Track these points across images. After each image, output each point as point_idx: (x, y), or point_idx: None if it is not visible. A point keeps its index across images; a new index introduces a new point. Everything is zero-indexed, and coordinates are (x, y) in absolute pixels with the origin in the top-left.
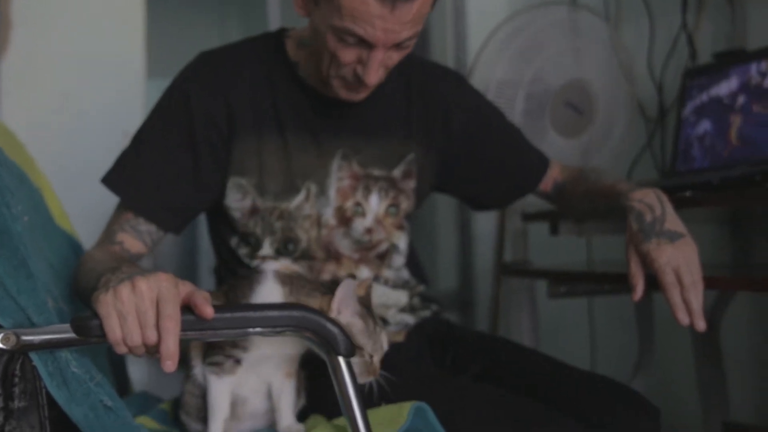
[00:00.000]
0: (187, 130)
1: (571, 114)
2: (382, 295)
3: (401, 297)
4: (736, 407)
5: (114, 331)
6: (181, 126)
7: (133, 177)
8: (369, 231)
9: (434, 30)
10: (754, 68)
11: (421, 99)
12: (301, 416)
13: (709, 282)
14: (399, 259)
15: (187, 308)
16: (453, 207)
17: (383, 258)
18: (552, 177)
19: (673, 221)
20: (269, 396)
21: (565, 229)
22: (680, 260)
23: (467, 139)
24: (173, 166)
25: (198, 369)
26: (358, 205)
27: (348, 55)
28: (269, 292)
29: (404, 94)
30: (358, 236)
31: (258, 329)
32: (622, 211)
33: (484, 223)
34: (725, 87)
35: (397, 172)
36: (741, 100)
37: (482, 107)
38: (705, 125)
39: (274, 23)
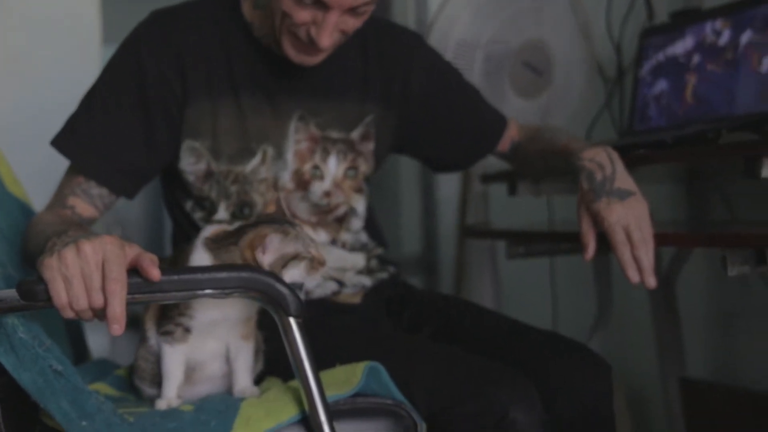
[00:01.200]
0: (138, 91)
1: (530, 74)
2: (339, 258)
3: (358, 260)
4: (693, 364)
5: (60, 295)
6: (133, 86)
7: (83, 139)
8: (327, 194)
9: None
10: (708, 27)
11: (378, 59)
12: (260, 381)
13: (662, 238)
14: (357, 223)
15: (134, 271)
16: (416, 170)
17: (341, 221)
18: (509, 136)
19: (624, 179)
20: (228, 359)
21: (523, 190)
22: (630, 218)
23: (426, 100)
24: (125, 128)
25: (153, 339)
26: (316, 168)
27: (303, 15)
28: (200, 261)
29: (362, 55)
30: (317, 199)
31: (207, 291)
32: (574, 170)
33: (448, 185)
34: (681, 46)
35: (355, 134)
36: (696, 59)
37: (440, 67)
38: (661, 84)
39: None
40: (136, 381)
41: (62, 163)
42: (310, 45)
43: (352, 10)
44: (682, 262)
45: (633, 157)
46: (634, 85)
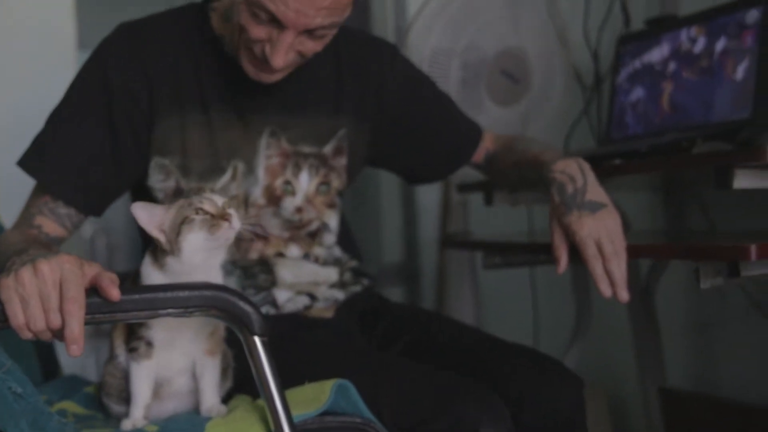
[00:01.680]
0: (104, 107)
1: (507, 82)
2: (311, 272)
3: (331, 274)
4: (672, 373)
5: (16, 316)
6: (99, 103)
7: (50, 158)
8: (299, 210)
9: None
10: (684, 34)
11: (351, 71)
12: (230, 398)
13: (635, 250)
14: (330, 238)
15: (94, 290)
16: (396, 178)
17: (314, 236)
18: (484, 147)
19: (595, 191)
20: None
21: (499, 199)
22: (601, 231)
23: (400, 112)
24: (91, 147)
25: (121, 356)
26: (288, 184)
27: (258, 31)
28: (147, 274)
29: (334, 67)
30: (288, 215)
31: (169, 310)
32: (546, 182)
33: (428, 194)
34: (657, 53)
35: (328, 149)
36: (672, 66)
37: (414, 78)
38: (638, 92)
39: None
40: (104, 398)
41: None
42: (264, 62)
43: (310, 32)
44: (660, 271)
45: (608, 167)
46: (612, 92)
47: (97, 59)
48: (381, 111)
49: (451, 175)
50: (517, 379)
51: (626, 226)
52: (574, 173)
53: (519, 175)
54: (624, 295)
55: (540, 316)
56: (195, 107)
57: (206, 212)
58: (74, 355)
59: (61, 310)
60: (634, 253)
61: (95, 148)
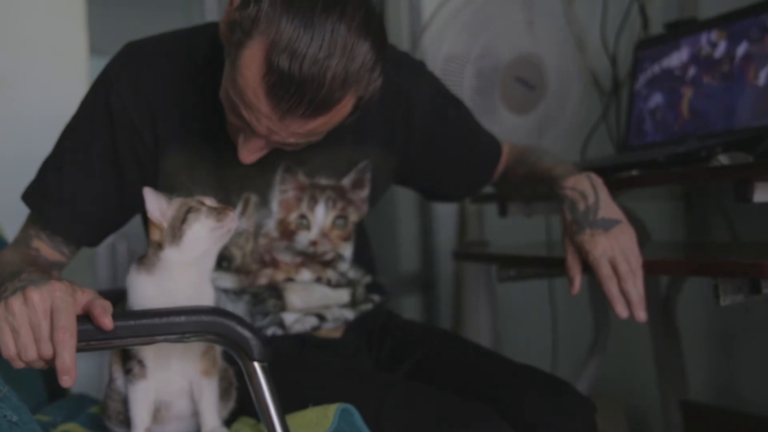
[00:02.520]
0: (109, 143)
1: (522, 89)
2: (322, 296)
3: (343, 295)
4: (694, 386)
5: (7, 346)
6: (102, 135)
7: (51, 193)
8: (314, 243)
9: (390, 2)
10: (704, 38)
11: (378, 99)
12: (234, 419)
13: (651, 266)
14: (344, 265)
15: (88, 317)
16: None
17: (327, 264)
18: (502, 163)
19: (608, 208)
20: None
21: (513, 211)
22: (616, 250)
23: (428, 135)
24: (95, 183)
25: (120, 379)
26: (303, 218)
27: (234, 120)
28: (135, 284)
29: None
30: (302, 248)
31: (167, 336)
32: (557, 198)
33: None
34: (676, 58)
35: (346, 181)
36: (692, 71)
37: (443, 98)
38: (657, 98)
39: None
40: (105, 421)
41: None
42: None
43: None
44: (681, 281)
45: (624, 178)
46: (630, 98)
47: (101, 89)
48: (409, 136)
49: (473, 195)
50: (526, 403)
51: (645, 237)
52: (586, 190)
53: (530, 189)
54: (641, 315)
55: (559, 326)
56: (203, 142)
57: (209, 206)
58: (66, 386)
59: (52, 339)
60: (650, 269)
61: (99, 185)
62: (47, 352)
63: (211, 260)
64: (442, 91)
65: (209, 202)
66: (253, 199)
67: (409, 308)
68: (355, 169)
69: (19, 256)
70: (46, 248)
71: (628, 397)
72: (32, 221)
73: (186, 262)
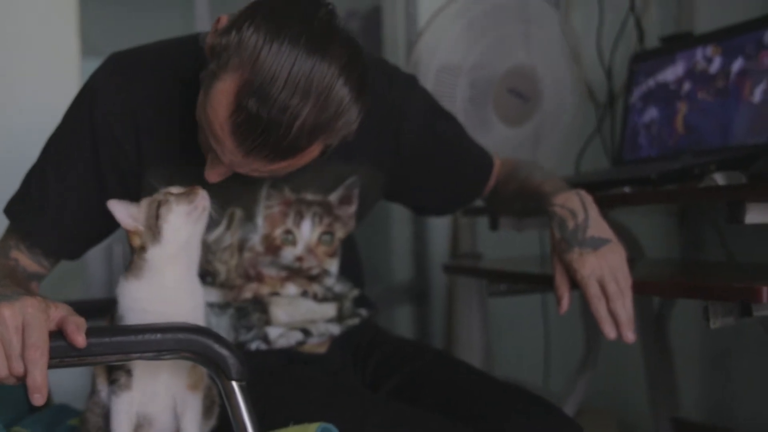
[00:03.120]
0: (92, 156)
1: (516, 101)
2: (308, 310)
3: (329, 310)
4: (686, 404)
5: None
6: (86, 150)
7: (34, 206)
8: (299, 259)
9: (386, 10)
10: (699, 53)
11: (368, 113)
12: None
13: (641, 287)
14: (330, 280)
15: (60, 334)
16: None
17: (313, 278)
18: (493, 177)
19: (597, 226)
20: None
21: (504, 225)
22: (604, 269)
23: (418, 151)
24: (77, 195)
25: (103, 391)
26: (289, 233)
27: (203, 140)
28: (125, 292)
29: None
30: (288, 263)
31: (142, 354)
32: (546, 215)
33: None
34: (671, 72)
35: (333, 197)
36: (687, 86)
37: (433, 113)
38: (652, 113)
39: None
40: None
41: None
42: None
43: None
44: (673, 300)
45: (616, 195)
46: (625, 112)
47: (85, 97)
48: (399, 152)
49: (463, 208)
50: (511, 425)
51: (639, 254)
52: (576, 207)
53: (521, 204)
54: (630, 336)
55: (552, 340)
56: (186, 157)
57: (176, 193)
58: (38, 404)
59: (23, 356)
60: (641, 290)
61: (80, 198)
62: (18, 369)
63: (196, 251)
64: (434, 106)
65: (175, 190)
66: (238, 213)
67: (402, 320)
68: (342, 185)
69: None
70: (24, 259)
71: (620, 413)
72: (12, 231)
73: (171, 255)
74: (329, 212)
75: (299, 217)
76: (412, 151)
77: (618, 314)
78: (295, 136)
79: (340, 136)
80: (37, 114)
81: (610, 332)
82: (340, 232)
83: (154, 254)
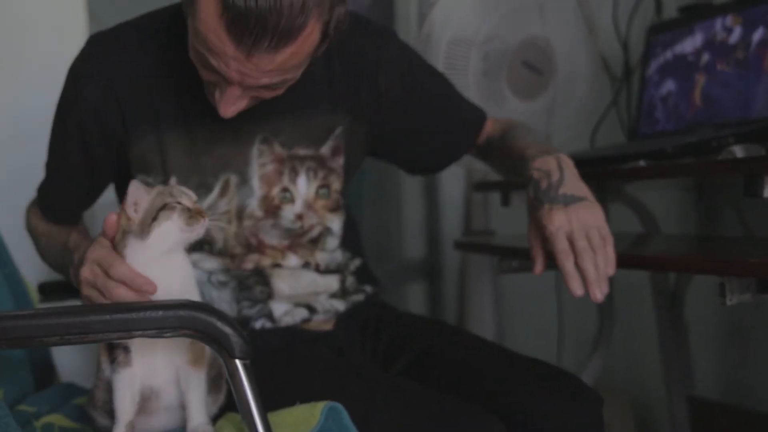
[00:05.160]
0: (77, 130)
1: (530, 74)
2: (310, 282)
3: (332, 282)
4: (701, 382)
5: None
6: (72, 125)
7: (45, 180)
8: (300, 217)
9: None
10: (719, 23)
11: (344, 64)
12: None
13: (656, 263)
14: (333, 242)
15: (63, 312)
16: None
17: (316, 242)
18: (485, 133)
19: (573, 185)
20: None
21: (517, 201)
22: (574, 224)
23: (398, 104)
24: (69, 171)
25: (107, 370)
26: (286, 191)
27: (206, 75)
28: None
29: (326, 62)
30: (288, 224)
31: (144, 331)
32: (525, 179)
33: (452, 188)
34: (690, 44)
35: (325, 150)
36: (705, 57)
37: (412, 65)
38: (669, 85)
39: None
40: (90, 410)
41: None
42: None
43: (262, 86)
44: (689, 277)
45: (631, 170)
46: (641, 84)
47: (69, 80)
48: (377, 105)
49: (454, 163)
50: (530, 396)
51: (654, 229)
52: (551, 169)
53: (508, 164)
54: (597, 294)
55: (565, 318)
56: (174, 124)
57: (184, 206)
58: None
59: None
60: (655, 266)
61: (72, 172)
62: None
63: (178, 256)
64: (414, 59)
65: (186, 201)
66: (233, 179)
67: (414, 297)
68: (332, 136)
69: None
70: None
71: (634, 392)
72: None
73: (151, 256)
74: (323, 165)
75: (294, 173)
76: (392, 102)
77: (586, 271)
78: (288, 15)
79: (335, 14)
80: (44, 93)
81: (576, 289)
82: (336, 185)
83: (136, 247)
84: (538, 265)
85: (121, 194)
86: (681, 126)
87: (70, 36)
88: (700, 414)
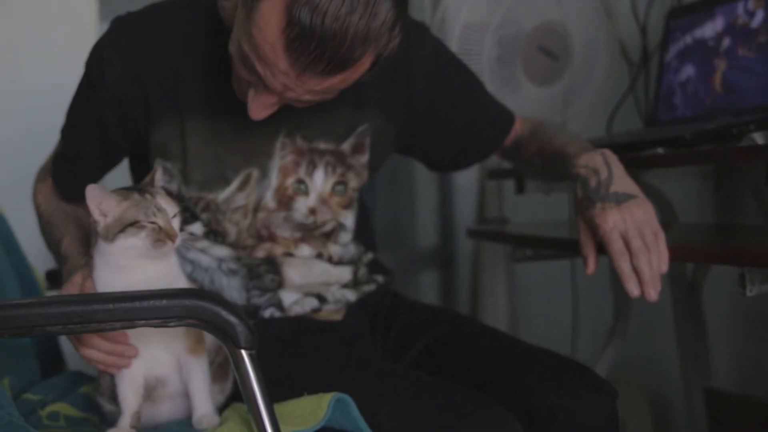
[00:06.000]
0: (97, 113)
1: (546, 60)
2: (322, 273)
3: (344, 273)
4: (718, 373)
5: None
6: (93, 107)
7: (59, 156)
8: (313, 211)
9: None
10: (741, 7)
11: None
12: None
13: (673, 252)
14: (346, 236)
15: (66, 301)
16: None
17: (328, 236)
18: (513, 133)
19: (622, 183)
20: None
21: (532, 189)
22: (628, 224)
23: (429, 102)
24: (87, 154)
25: None
26: (301, 183)
27: (244, 73)
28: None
29: None
30: (301, 218)
31: (148, 321)
32: (570, 177)
33: (465, 174)
34: (710, 28)
35: (346, 146)
36: (726, 42)
37: (446, 62)
38: (688, 70)
39: None
40: (97, 397)
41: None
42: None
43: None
44: (708, 266)
45: (648, 157)
46: (660, 70)
47: (93, 59)
48: (409, 101)
49: (479, 163)
50: (543, 389)
51: (672, 218)
52: (599, 166)
53: (543, 164)
54: (652, 294)
55: (580, 307)
56: (197, 114)
57: (159, 226)
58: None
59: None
60: (673, 255)
61: (87, 154)
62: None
63: (152, 265)
64: (446, 55)
65: (161, 219)
66: (255, 174)
67: (427, 286)
68: (354, 134)
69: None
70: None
71: (650, 383)
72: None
73: (117, 264)
74: (342, 161)
75: (312, 166)
76: (422, 100)
77: (642, 271)
78: (349, 45)
79: (389, 48)
80: (55, 79)
81: (632, 289)
82: (353, 182)
83: (103, 248)
84: (591, 265)
85: (136, 177)
86: (700, 112)
87: (80, 22)
88: (717, 406)
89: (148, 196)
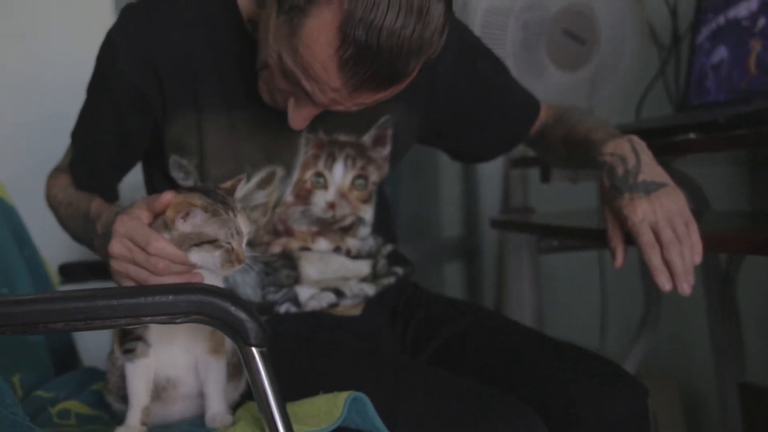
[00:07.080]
0: (113, 105)
1: (572, 44)
2: (340, 267)
3: (363, 267)
4: (754, 368)
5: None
6: (108, 98)
7: (75, 148)
8: (331, 205)
9: None
10: None
11: None
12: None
13: (709, 242)
14: (365, 230)
15: (69, 297)
16: None
17: (347, 230)
18: (538, 119)
19: (651, 171)
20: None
21: (557, 177)
22: (658, 214)
23: (455, 90)
24: (102, 147)
25: (118, 353)
26: (320, 176)
27: (283, 84)
28: None
29: None
30: (319, 213)
31: (153, 317)
32: (595, 165)
33: (489, 165)
34: (744, 7)
35: (367, 138)
36: (762, 21)
37: (472, 50)
38: (721, 52)
39: None
40: (106, 395)
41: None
42: (282, 109)
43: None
44: (742, 257)
45: (680, 142)
46: (691, 53)
47: (106, 49)
48: (433, 88)
49: (505, 154)
50: (565, 388)
51: (704, 206)
52: (626, 154)
53: (567, 151)
54: (685, 288)
55: (609, 300)
56: (215, 107)
57: (233, 248)
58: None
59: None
60: (707, 244)
61: (104, 149)
62: (156, 267)
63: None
64: (471, 40)
65: (236, 242)
66: (280, 172)
67: (451, 277)
68: (375, 125)
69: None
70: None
71: (682, 378)
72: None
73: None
74: (363, 154)
75: (331, 159)
76: (448, 90)
77: (673, 263)
78: (404, 59)
79: (438, 51)
80: (69, 69)
81: (664, 283)
82: (374, 176)
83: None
84: (619, 258)
85: (149, 174)
86: (734, 96)
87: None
88: (752, 401)
89: (231, 214)
